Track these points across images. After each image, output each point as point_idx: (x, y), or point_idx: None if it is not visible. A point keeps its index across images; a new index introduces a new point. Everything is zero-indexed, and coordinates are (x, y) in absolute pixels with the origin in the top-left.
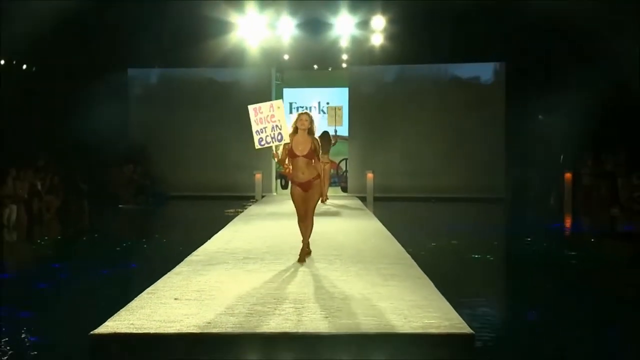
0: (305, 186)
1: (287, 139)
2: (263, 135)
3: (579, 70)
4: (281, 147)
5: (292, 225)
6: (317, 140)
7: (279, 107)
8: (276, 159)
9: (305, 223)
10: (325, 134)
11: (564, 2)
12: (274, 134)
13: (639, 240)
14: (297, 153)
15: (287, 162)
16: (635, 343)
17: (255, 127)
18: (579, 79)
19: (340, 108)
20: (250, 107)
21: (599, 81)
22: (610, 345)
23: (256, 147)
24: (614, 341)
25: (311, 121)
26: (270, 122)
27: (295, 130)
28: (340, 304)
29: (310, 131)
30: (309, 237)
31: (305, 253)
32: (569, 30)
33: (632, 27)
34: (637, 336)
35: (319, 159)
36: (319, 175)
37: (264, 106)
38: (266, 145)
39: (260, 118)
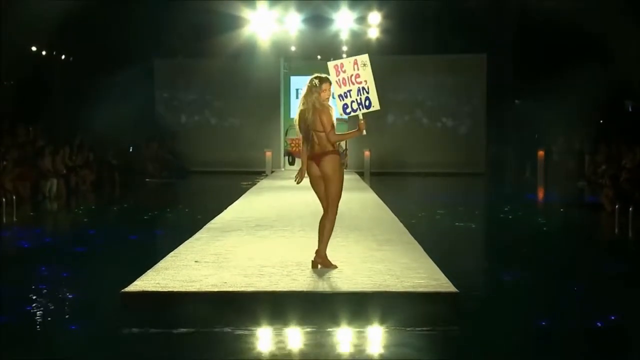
0: (317, 158)
1: (376, 106)
2: (348, 101)
3: (553, 61)
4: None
5: (298, 197)
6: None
7: (364, 64)
8: (288, 140)
9: (322, 219)
10: None
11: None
12: (360, 99)
13: (600, 210)
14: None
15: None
16: (594, 291)
17: (338, 91)
18: (553, 69)
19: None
20: (331, 64)
21: (570, 70)
22: (574, 296)
23: (340, 115)
24: (578, 292)
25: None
26: (355, 83)
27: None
28: (340, 265)
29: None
30: (327, 242)
31: (317, 263)
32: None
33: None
34: (596, 284)
35: (330, 131)
36: (335, 151)
37: (347, 63)
38: (352, 114)
39: (344, 78)
